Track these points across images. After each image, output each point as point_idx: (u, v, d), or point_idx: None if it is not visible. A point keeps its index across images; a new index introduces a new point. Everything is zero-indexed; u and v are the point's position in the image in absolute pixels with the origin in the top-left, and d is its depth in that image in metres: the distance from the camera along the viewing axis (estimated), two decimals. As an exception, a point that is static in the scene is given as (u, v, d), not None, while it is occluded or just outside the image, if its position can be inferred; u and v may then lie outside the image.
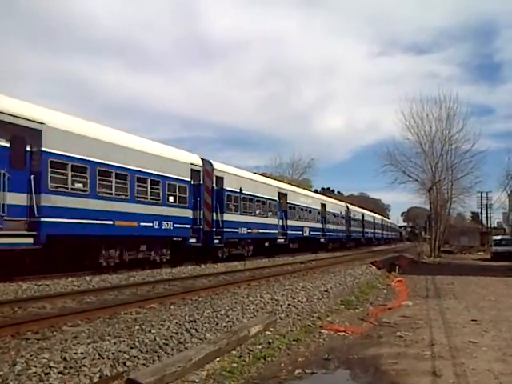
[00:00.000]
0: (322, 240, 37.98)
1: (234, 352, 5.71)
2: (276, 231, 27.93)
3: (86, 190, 13.79)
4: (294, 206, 31.53)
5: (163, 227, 17.22)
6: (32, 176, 12.07)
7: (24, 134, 12.01)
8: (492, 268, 24.14)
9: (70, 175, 13.25)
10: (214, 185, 21.09)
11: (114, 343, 5.28)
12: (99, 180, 14.25)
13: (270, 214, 27.26)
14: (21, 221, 11.86)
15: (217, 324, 6.82)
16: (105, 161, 14.40)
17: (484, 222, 65.33)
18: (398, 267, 19.64)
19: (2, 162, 11.39)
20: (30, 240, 11.96)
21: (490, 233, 57.37)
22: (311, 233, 34.40)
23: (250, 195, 24.52)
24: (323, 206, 39.01)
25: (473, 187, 39.48)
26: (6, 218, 11.27)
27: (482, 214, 64.64)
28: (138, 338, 5.58)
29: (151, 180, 16.57)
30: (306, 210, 34.10)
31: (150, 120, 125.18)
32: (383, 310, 9.51)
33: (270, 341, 6.35)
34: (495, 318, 8.51)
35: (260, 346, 6.06)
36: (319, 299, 10.14)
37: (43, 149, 12.39)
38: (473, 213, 76.65)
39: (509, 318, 8.47)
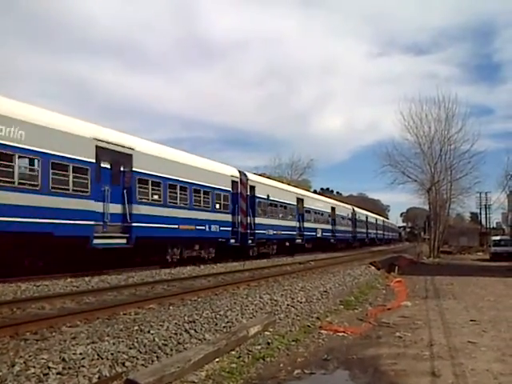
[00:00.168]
0: (332, 240, 41.01)
1: (233, 352, 5.71)
2: (295, 232, 31.19)
3: (160, 201, 17.23)
4: (309, 210, 35.02)
5: (212, 230, 20.65)
6: (125, 190, 15.51)
7: (120, 158, 15.42)
8: (491, 268, 24.15)
9: (150, 189, 16.70)
10: (248, 193, 24.48)
11: (113, 344, 5.27)
12: (169, 192, 17.74)
13: (290, 217, 30.53)
14: (118, 225, 15.22)
15: (216, 324, 6.82)
16: (172, 176, 17.99)
17: (483, 222, 65.27)
18: (397, 267, 19.66)
19: (105, 180, 14.78)
20: (124, 241, 15.30)
21: (489, 233, 57.35)
22: (323, 234, 37.83)
23: (275, 201, 28.10)
24: (333, 209, 42.26)
25: (472, 188, 39.65)
26: (108, 223, 14.64)
27: (481, 214, 64.61)
28: (137, 338, 5.57)
29: (203, 191, 20.19)
30: (318, 213, 37.60)
31: (149, 120, 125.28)
32: (382, 310, 9.51)
33: (269, 341, 6.35)
34: (494, 318, 8.51)
35: (259, 347, 6.06)
36: (318, 299, 10.14)
37: (133, 169, 15.85)
38: (472, 213, 76.67)
39: (508, 318, 8.48)
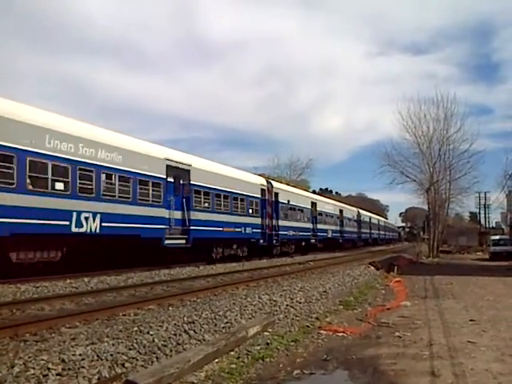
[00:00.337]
0: (340, 240, 44.53)
1: (232, 353, 5.71)
2: (309, 233, 34.76)
3: (209, 207, 20.91)
4: (322, 213, 38.65)
5: (246, 232, 24.23)
6: (184, 199, 19.14)
7: (180, 173, 19.00)
8: (490, 268, 24.17)
9: (202, 198, 20.31)
10: (273, 199, 28.20)
11: (113, 345, 5.27)
12: (215, 200, 21.34)
13: (305, 219, 34.13)
14: (179, 228, 18.75)
15: (215, 325, 6.82)
16: (218, 187, 21.52)
17: (482, 222, 65.47)
18: (396, 267, 19.67)
19: (170, 192, 18.30)
20: (184, 241, 18.83)
21: (489, 233, 57.46)
22: (333, 234, 41.39)
23: (294, 205, 31.79)
24: (341, 211, 45.76)
25: (471, 187, 39.66)
26: (173, 227, 18.18)
27: (480, 214, 64.79)
28: (136, 339, 5.57)
29: (240, 198, 23.76)
30: (329, 216, 41.28)
31: (148, 121, 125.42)
32: (382, 310, 9.51)
33: (269, 342, 6.34)
34: (494, 317, 8.52)
35: (258, 347, 6.05)
36: (318, 300, 10.14)
37: (191, 182, 19.54)
38: (471, 213, 76.68)
39: (507, 317, 8.48)
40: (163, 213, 17.62)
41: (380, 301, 11.08)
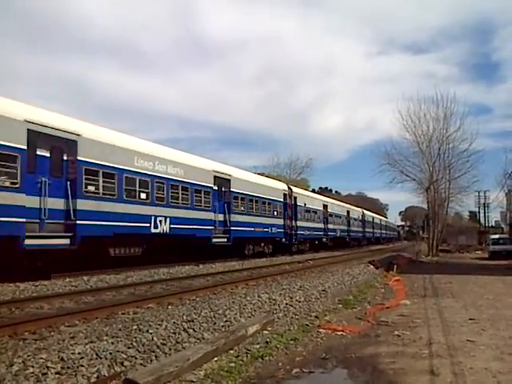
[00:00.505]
0: (347, 239, 47.73)
1: (231, 351, 5.71)
2: (322, 233, 38.35)
3: (244, 211, 24.41)
4: (332, 214, 41.99)
5: (272, 231, 27.83)
6: (225, 204, 22.64)
7: (223, 182, 22.58)
8: (490, 267, 24.18)
9: (240, 203, 24.10)
10: (292, 202, 31.65)
11: (112, 343, 5.27)
12: (249, 204, 25.12)
13: (318, 220, 37.57)
14: (222, 229, 22.30)
15: (214, 324, 6.82)
16: (252, 193, 25.41)
17: (482, 221, 65.52)
18: (395, 266, 19.65)
19: (215, 198, 21.65)
20: (225, 240, 22.43)
21: (488, 232, 57.45)
22: (341, 233, 44.83)
23: (309, 208, 35.37)
24: (348, 212, 49.07)
25: (470, 186, 39.63)
26: (217, 227, 21.77)
27: (479, 213, 64.86)
28: (135, 337, 5.57)
29: (268, 202, 27.59)
30: (338, 216, 44.63)
31: (147, 120, 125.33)
32: (381, 309, 9.51)
33: (268, 340, 6.34)
34: (493, 316, 8.52)
35: (258, 346, 6.05)
36: (317, 298, 10.14)
37: (231, 189, 23.10)
38: (470, 212, 76.76)
39: (507, 316, 8.48)
40: (211, 216, 21.29)
41: (379, 299, 11.08)
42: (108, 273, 14.27)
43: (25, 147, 12.00)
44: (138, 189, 16.33)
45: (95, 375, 4.40)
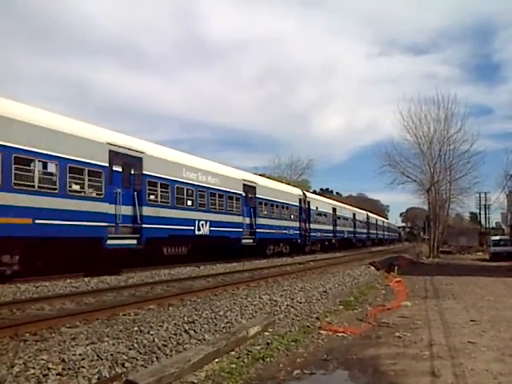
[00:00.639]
0: (353, 240, 50.64)
1: (232, 353, 5.71)
2: (331, 234, 41.09)
3: (267, 214, 27.35)
4: (340, 217, 44.68)
5: (290, 233, 30.61)
6: (252, 209, 25.43)
7: (250, 189, 25.38)
8: (491, 268, 24.16)
9: (263, 207, 27.06)
10: (306, 206, 34.28)
11: (113, 344, 5.27)
12: (271, 208, 28.06)
13: (328, 222, 40.43)
14: (249, 231, 24.99)
15: (215, 325, 6.82)
16: (273, 198, 28.35)
17: (482, 222, 65.29)
18: (396, 268, 19.64)
19: (244, 203, 24.44)
20: (251, 240, 25.00)
21: (489, 233, 57.36)
22: (347, 235, 47.62)
23: (321, 211, 38.24)
24: (354, 215, 51.98)
25: (471, 188, 39.61)
26: (245, 229, 24.39)
27: (480, 214, 64.61)
28: (136, 339, 5.57)
29: (286, 207, 30.46)
30: (345, 219, 47.42)
31: (148, 121, 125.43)
32: (382, 310, 9.50)
33: (269, 341, 6.34)
34: (494, 318, 8.51)
35: (259, 347, 6.05)
36: (318, 300, 10.14)
37: (256, 195, 26.03)
38: (471, 213, 76.63)
39: (508, 318, 8.48)
40: (241, 219, 23.90)
41: (380, 301, 11.08)
42: (109, 274, 14.28)
43: (107, 164, 14.85)
44: (185, 197, 19.31)
45: (96, 376, 4.40)
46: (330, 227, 40.97)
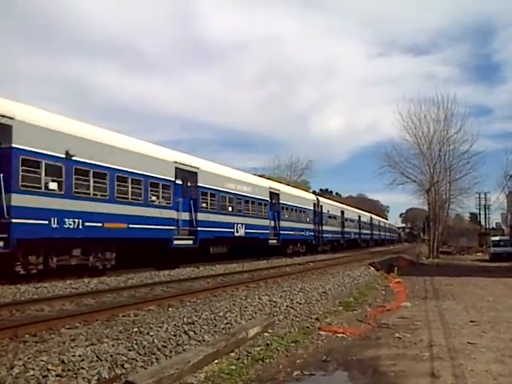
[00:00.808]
0: (358, 241, 54.20)
1: (232, 354, 5.70)
2: (340, 235, 44.77)
3: (289, 218, 31.07)
4: (347, 219, 48.08)
5: (306, 234, 34.18)
6: (275, 213, 29.09)
7: (274, 196, 29.28)
8: (490, 269, 24.16)
9: (285, 211, 30.53)
10: (319, 210, 37.70)
11: (113, 345, 5.27)
12: (292, 212, 31.80)
13: (337, 225, 44.25)
14: (273, 232, 28.13)
15: (215, 326, 6.81)
16: (294, 203, 32.22)
17: (482, 222, 65.34)
18: (396, 268, 19.64)
19: (269, 208, 28.13)
20: (276, 241, 28.66)
21: (489, 234, 57.37)
22: (354, 236, 51.15)
23: (331, 214, 41.97)
24: (359, 216, 55.48)
25: (471, 188, 39.57)
26: (271, 232, 28.03)
27: (480, 214, 64.65)
28: (136, 340, 5.57)
29: (303, 211, 34.06)
30: (351, 221, 50.62)
31: (148, 122, 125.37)
32: (382, 311, 9.50)
33: (269, 342, 6.34)
34: (494, 318, 8.51)
35: (258, 348, 6.05)
36: (317, 301, 10.14)
37: (280, 201, 29.81)
38: (471, 214, 76.51)
39: (507, 318, 8.47)
40: (267, 223, 27.53)
41: (380, 302, 11.08)
42: (108, 275, 14.27)
43: (173, 179, 18.49)
44: (227, 204, 22.80)
45: (96, 377, 4.40)
46: (339, 229, 44.50)
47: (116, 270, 15.13)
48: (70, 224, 13.35)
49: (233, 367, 5.23)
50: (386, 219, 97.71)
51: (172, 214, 18.30)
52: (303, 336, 7.00)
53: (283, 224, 29.59)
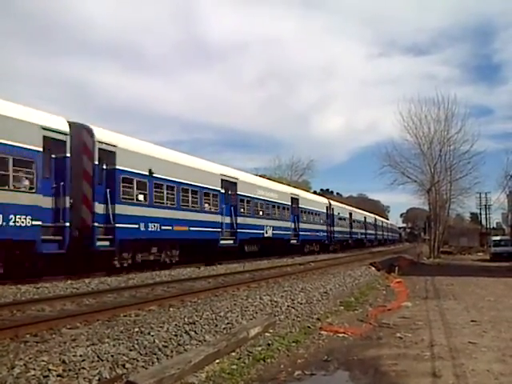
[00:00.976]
0: (364, 241, 57.22)
1: (233, 354, 5.70)
2: (348, 236, 47.89)
3: (307, 220, 34.29)
4: (355, 220, 51.35)
5: (320, 235, 37.48)
6: (295, 217, 32.17)
7: (295, 201, 32.49)
8: (491, 269, 24.14)
9: (305, 215, 34.18)
10: (331, 212, 41.13)
11: (113, 345, 5.27)
12: (309, 215, 35.15)
13: (346, 226, 47.34)
14: (293, 233, 31.54)
15: (216, 326, 6.81)
16: (312, 208, 36.23)
17: (483, 222, 65.21)
18: (397, 268, 19.63)
19: (292, 212, 31.73)
20: (296, 241, 31.74)
21: (489, 233, 57.30)
22: (360, 236, 54.57)
23: (341, 216, 45.15)
24: (365, 218, 58.53)
25: (472, 188, 39.63)
26: (292, 233, 31.66)
27: (481, 214, 64.50)
28: (137, 340, 5.57)
29: (318, 214, 37.36)
30: (358, 222, 53.78)
31: (149, 122, 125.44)
32: (383, 311, 9.50)
33: (270, 342, 6.34)
34: (495, 318, 8.51)
35: (259, 348, 6.05)
36: (319, 300, 10.13)
37: (299, 206, 33.04)
38: (472, 213, 76.57)
39: (508, 318, 8.47)
40: (289, 225, 30.91)
41: (381, 301, 11.08)
42: (109, 275, 14.27)
43: (220, 189, 21.95)
44: (259, 208, 26.38)
45: (97, 378, 4.40)
46: (348, 229, 47.80)
47: (179, 265, 18.66)
48: (152, 227, 16.83)
49: (234, 367, 5.23)
50: (387, 219, 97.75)
51: (218, 218, 21.74)
52: (304, 336, 6.99)
53: (302, 226, 32.82)
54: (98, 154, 14.54)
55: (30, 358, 4.65)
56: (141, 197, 16.36)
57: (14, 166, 11.76)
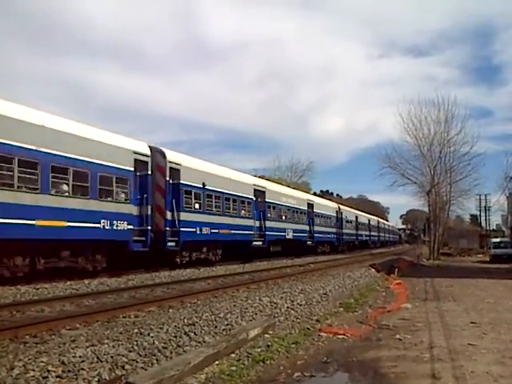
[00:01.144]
0: (368, 242, 60.37)
1: (232, 355, 5.69)
2: (354, 237, 51.25)
3: (320, 223, 37.66)
4: (360, 223, 54.22)
5: (331, 237, 40.49)
6: (310, 219, 35.35)
7: (309, 207, 35.53)
8: (491, 270, 24.13)
9: (318, 219, 37.33)
10: (340, 216, 44.02)
11: (113, 346, 5.27)
12: (320, 219, 37.79)
13: (352, 228, 50.21)
14: (308, 235, 34.81)
15: (216, 327, 6.81)
16: (322, 211, 39.25)
17: (483, 224, 65.29)
18: (397, 270, 19.63)
19: (308, 216, 35.17)
20: (311, 242, 35.19)
21: (489, 235, 57.34)
22: (364, 237, 57.79)
23: (348, 219, 48.25)
24: (369, 220, 61.75)
25: (471, 190, 39.66)
26: (307, 235, 34.58)
27: (480, 216, 64.59)
28: (136, 341, 5.57)
29: (329, 217, 40.82)
30: (363, 224, 56.83)
31: (148, 123, 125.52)
32: (382, 312, 9.49)
33: (269, 344, 6.33)
34: (494, 320, 8.50)
35: (259, 349, 6.04)
36: (318, 302, 10.13)
37: (314, 210, 36.32)
38: (472, 215, 76.68)
39: (508, 320, 8.46)
40: (306, 227, 34.04)
41: (380, 303, 11.07)
42: (109, 276, 14.26)
43: (252, 197, 25.32)
44: (282, 213, 29.55)
45: (96, 379, 4.40)
46: (354, 231, 50.91)
47: (220, 262, 21.48)
48: (204, 231, 20.05)
49: (233, 368, 5.23)
50: (387, 221, 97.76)
51: (251, 222, 24.96)
52: (304, 337, 6.99)
53: (316, 228, 36.03)
54: (169, 172, 17.86)
55: (29, 359, 4.65)
56: (197, 205, 19.67)
57: (116, 183, 15.07)
